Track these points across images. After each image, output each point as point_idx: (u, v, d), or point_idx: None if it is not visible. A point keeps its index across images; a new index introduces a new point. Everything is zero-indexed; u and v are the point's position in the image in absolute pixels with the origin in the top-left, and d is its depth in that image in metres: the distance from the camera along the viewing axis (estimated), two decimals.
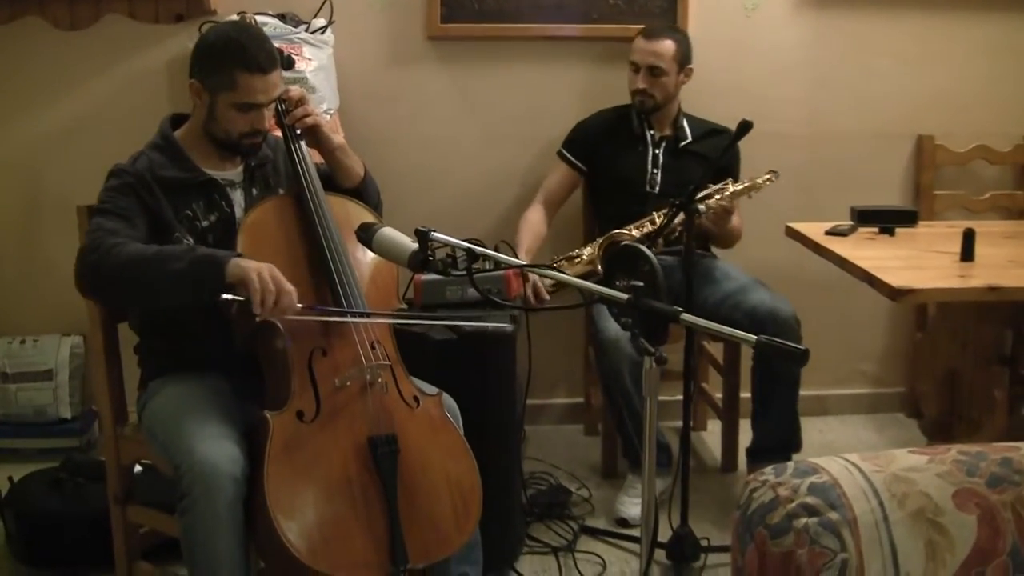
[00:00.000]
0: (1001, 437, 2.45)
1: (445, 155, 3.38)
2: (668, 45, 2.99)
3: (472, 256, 1.66)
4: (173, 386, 2.09)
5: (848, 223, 2.94)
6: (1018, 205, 3.51)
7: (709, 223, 2.83)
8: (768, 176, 2.91)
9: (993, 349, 2.73)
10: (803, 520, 1.31)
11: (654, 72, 2.99)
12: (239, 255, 1.92)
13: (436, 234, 1.68)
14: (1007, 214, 3.50)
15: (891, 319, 3.61)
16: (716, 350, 3.30)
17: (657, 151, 3.08)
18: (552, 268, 2.50)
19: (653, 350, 1.46)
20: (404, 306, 2.47)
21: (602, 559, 2.65)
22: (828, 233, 2.89)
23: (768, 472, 1.41)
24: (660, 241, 2.75)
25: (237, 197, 2.17)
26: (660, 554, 2.50)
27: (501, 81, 3.35)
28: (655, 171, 3.07)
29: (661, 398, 1.54)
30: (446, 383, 2.19)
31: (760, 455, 2.96)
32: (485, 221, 3.37)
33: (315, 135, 2.23)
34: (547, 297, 2.82)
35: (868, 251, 2.68)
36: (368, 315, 2.06)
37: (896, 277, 2.36)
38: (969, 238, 2.57)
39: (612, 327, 2.73)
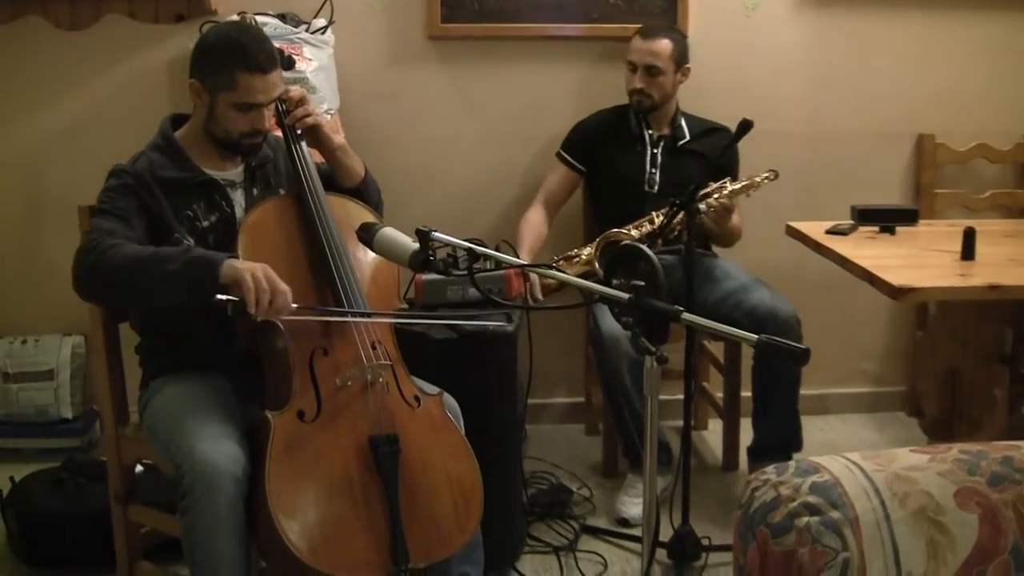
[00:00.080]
0: (1002, 436, 2.45)
1: (446, 155, 3.38)
2: (665, 44, 2.99)
3: (473, 256, 1.66)
4: (174, 386, 2.09)
5: (849, 222, 2.94)
6: (1018, 204, 3.51)
7: (710, 222, 2.84)
8: (767, 175, 2.92)
9: (994, 348, 2.73)
10: (805, 519, 1.31)
11: (651, 72, 2.99)
12: (233, 256, 1.92)
13: (437, 234, 1.68)
14: (1007, 213, 3.50)
15: (892, 318, 3.61)
16: (717, 349, 3.30)
17: (655, 151, 3.08)
18: (552, 268, 2.50)
19: (654, 349, 1.46)
20: (405, 306, 2.47)
21: (603, 558, 2.65)
22: (829, 232, 2.89)
23: (770, 471, 1.41)
24: (659, 241, 2.75)
25: (238, 197, 2.17)
26: (661, 553, 2.50)
27: (501, 81, 3.35)
28: (654, 171, 3.07)
29: (662, 397, 1.54)
30: (447, 383, 2.19)
31: (761, 454, 2.96)
32: (485, 220, 3.37)
33: (316, 135, 2.23)
34: (540, 296, 2.81)
35: (869, 250, 2.68)
36: (367, 315, 2.06)
37: (897, 276, 2.36)
38: (970, 237, 2.57)
39: (611, 325, 2.73)
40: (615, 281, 1.53)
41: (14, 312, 3.33)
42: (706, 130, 3.12)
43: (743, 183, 2.87)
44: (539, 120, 3.35)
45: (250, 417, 1.99)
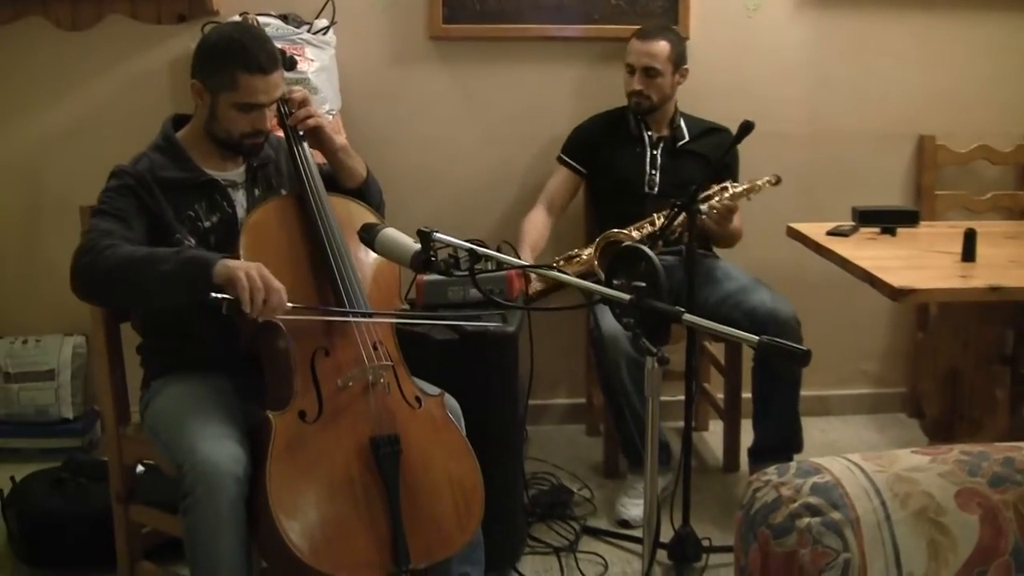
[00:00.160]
0: (1003, 437, 2.45)
1: (447, 155, 3.38)
2: (663, 46, 2.99)
3: (475, 257, 1.66)
4: (175, 386, 2.09)
5: (849, 223, 2.94)
6: (1019, 205, 3.51)
7: (712, 223, 2.84)
8: (769, 179, 2.91)
9: (994, 349, 2.73)
10: (806, 520, 1.31)
11: (649, 73, 2.99)
12: (228, 256, 1.92)
13: (438, 235, 1.68)
14: (1008, 214, 3.50)
15: (892, 319, 3.61)
16: (717, 350, 3.30)
17: (655, 152, 3.08)
18: (553, 268, 2.50)
19: (655, 350, 1.46)
20: (406, 306, 2.47)
21: (604, 559, 2.65)
22: (829, 233, 2.89)
23: (771, 472, 1.41)
24: (660, 242, 2.75)
25: (239, 198, 2.17)
26: (662, 554, 2.50)
27: (503, 81, 3.35)
28: (653, 172, 3.07)
29: (662, 398, 1.54)
30: (448, 383, 2.19)
31: (762, 455, 2.96)
32: (486, 221, 3.37)
33: (318, 136, 2.23)
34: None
35: (869, 251, 2.68)
36: (368, 315, 2.06)
37: (897, 277, 2.36)
38: (970, 238, 2.57)
39: (612, 326, 2.73)
40: (616, 282, 1.53)
41: (15, 312, 3.33)
42: (705, 130, 3.12)
43: (745, 186, 2.87)
44: (540, 120, 3.36)
45: (251, 417, 1.99)
